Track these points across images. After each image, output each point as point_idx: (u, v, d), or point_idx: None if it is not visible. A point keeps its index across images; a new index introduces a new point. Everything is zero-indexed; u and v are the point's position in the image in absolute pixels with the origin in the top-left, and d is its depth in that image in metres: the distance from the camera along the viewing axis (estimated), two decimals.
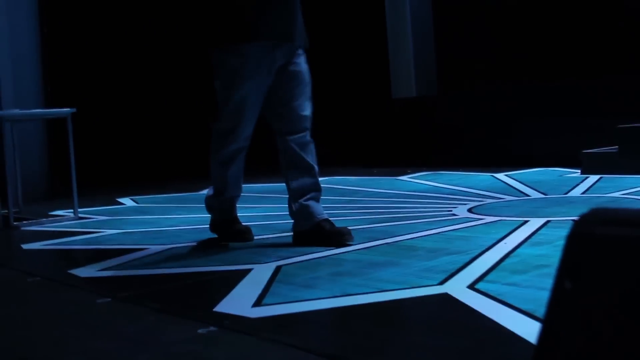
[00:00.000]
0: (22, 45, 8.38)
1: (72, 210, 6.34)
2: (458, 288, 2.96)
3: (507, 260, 3.41)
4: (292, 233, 4.37)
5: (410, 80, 10.85)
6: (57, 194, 8.24)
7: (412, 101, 10.60)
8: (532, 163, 7.85)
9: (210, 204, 4.53)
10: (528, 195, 5.87)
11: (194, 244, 4.56)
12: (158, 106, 11.30)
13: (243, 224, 4.57)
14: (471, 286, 2.98)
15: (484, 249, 3.72)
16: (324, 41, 12.52)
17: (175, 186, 8.51)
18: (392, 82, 11.09)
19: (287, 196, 4.39)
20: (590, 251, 1.16)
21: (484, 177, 7.41)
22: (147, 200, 7.43)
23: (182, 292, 3.38)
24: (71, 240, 5.18)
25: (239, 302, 2.98)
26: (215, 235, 4.57)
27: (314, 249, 4.06)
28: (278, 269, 3.58)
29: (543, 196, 5.79)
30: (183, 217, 5.96)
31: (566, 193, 5.90)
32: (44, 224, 6.11)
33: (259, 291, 3.13)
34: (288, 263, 3.73)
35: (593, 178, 6.76)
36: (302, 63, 4.37)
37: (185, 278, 3.63)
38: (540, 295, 2.69)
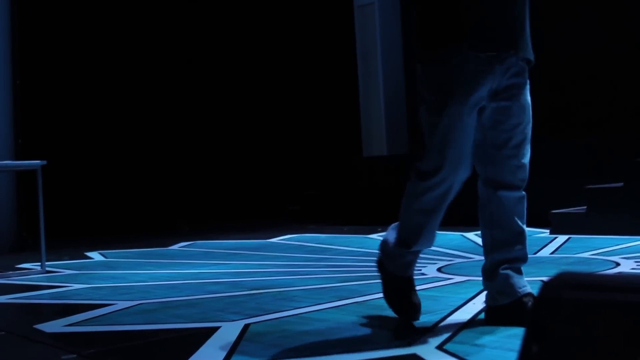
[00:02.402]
0: None
1: (39, 264, 6.28)
2: (427, 349, 2.95)
3: (476, 321, 3.41)
4: (268, 290, 4.33)
5: (382, 139, 10.92)
6: (25, 246, 8.16)
7: (383, 160, 10.65)
8: None
9: (389, 253, 3.62)
10: None
11: (162, 300, 4.52)
12: (128, 161, 11.28)
13: (416, 295, 3.57)
14: (440, 347, 2.96)
15: (453, 309, 3.71)
16: (298, 100, 12.60)
17: (145, 241, 8.46)
18: (364, 140, 11.15)
19: (481, 258, 3.56)
20: (558, 315, 1.16)
21: (453, 236, 7.43)
22: (116, 255, 7.37)
23: (148, 350, 3.34)
24: (38, 295, 5.11)
25: None
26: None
27: (284, 306, 4.03)
28: (246, 328, 3.55)
29: None
30: (152, 273, 5.92)
31: (535, 253, 5.92)
32: (10, 277, 6.05)
33: (226, 350, 3.10)
34: (256, 321, 3.70)
35: (562, 238, 6.79)
36: (526, 93, 3.37)
37: (152, 335, 3.58)
38: (508, 357, 2.69)
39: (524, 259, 3.42)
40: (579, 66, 8.97)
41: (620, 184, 7.11)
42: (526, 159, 3.37)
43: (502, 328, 3.21)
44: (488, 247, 3.43)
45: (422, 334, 3.19)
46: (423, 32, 3.33)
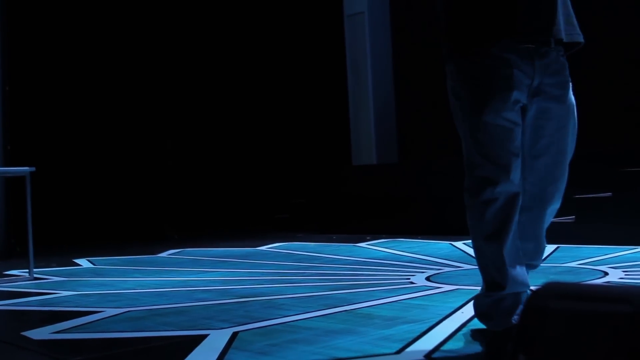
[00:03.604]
0: None
1: (27, 271, 6.26)
2: (415, 358, 2.95)
3: (464, 330, 3.41)
4: (256, 299, 4.32)
5: (371, 147, 10.94)
6: (13, 253, 8.14)
7: (372, 168, 10.67)
8: None
9: (484, 308, 3.11)
10: None
11: (150, 307, 4.51)
12: (117, 168, 11.27)
13: None
14: (428, 356, 2.97)
15: (441, 317, 3.71)
16: (287, 108, 12.61)
17: (133, 248, 8.44)
18: (353, 149, 11.16)
19: (469, 267, 3.15)
20: (544, 325, 1.17)
21: (442, 245, 7.43)
22: (104, 262, 7.36)
23: (136, 357, 3.33)
24: (25, 301, 5.10)
25: None
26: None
27: (272, 314, 4.03)
28: (234, 336, 3.54)
29: None
30: (140, 280, 5.91)
31: None
32: None
33: (214, 358, 3.10)
34: (245, 329, 3.70)
35: (550, 247, 6.80)
36: (569, 93, 3.09)
37: (140, 343, 3.58)
38: None
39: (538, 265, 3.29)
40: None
41: (608, 194, 7.14)
42: (566, 169, 3.13)
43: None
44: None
45: (410, 343, 3.19)
46: (456, 26, 3.06)
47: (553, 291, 1.19)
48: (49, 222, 9.54)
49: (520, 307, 2.92)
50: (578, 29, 3.08)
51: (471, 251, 6.65)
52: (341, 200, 10.59)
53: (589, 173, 7.81)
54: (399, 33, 11.20)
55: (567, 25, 3.02)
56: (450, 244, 7.48)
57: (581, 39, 3.08)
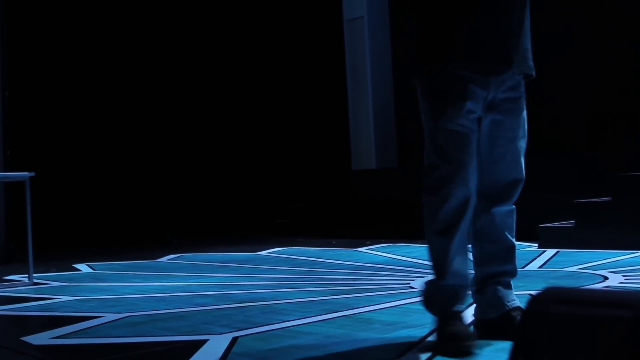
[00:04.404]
0: None
1: (27, 276, 6.26)
2: None
3: None
4: (256, 303, 4.31)
5: (371, 152, 10.94)
6: (13, 258, 8.14)
7: (372, 173, 10.66)
8: None
9: (427, 293, 3.41)
10: None
11: (150, 312, 4.51)
12: (117, 173, 11.27)
13: (464, 325, 3.26)
14: None
15: None
16: (287, 112, 12.62)
17: (133, 253, 8.44)
18: (353, 153, 11.17)
19: (470, 272, 3.37)
20: (544, 330, 1.17)
21: None
22: (104, 267, 7.35)
23: None
24: (25, 307, 5.09)
25: None
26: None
27: (272, 319, 4.03)
28: (234, 341, 3.54)
29: None
30: (140, 285, 5.90)
31: (523, 267, 5.92)
32: None
33: None
34: (244, 334, 3.70)
35: (550, 252, 6.80)
36: (522, 107, 3.35)
37: (139, 348, 3.57)
38: None
39: (513, 273, 3.40)
40: (568, 81, 9.00)
41: (608, 199, 7.14)
42: (522, 174, 3.36)
43: (489, 342, 3.21)
44: (478, 261, 3.40)
45: (410, 348, 3.19)
46: (420, 47, 3.32)
47: (553, 296, 1.19)
48: (49, 227, 9.54)
49: (461, 298, 3.28)
50: (531, 62, 3.32)
51: (470, 256, 6.65)
52: (341, 205, 10.59)
53: (589, 178, 7.82)
54: (398, 38, 11.21)
55: (522, 58, 3.26)
56: None
57: (532, 72, 3.33)
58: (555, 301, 1.17)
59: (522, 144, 3.35)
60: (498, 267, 3.36)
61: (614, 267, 5.59)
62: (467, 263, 3.32)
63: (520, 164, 3.35)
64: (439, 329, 3.23)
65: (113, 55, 11.52)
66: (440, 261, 3.27)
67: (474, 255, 3.42)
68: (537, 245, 7.25)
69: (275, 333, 3.72)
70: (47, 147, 10.60)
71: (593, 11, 8.99)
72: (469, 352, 3.05)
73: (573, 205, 7.26)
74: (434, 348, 3.17)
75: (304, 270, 6.49)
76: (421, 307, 4.10)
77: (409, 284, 5.25)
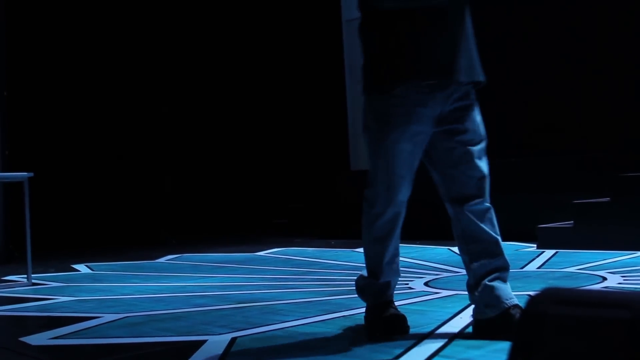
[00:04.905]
0: None
1: (25, 276, 6.26)
2: None
3: (463, 335, 3.41)
4: (254, 304, 4.31)
5: None
6: (12, 258, 8.14)
7: None
8: None
9: (362, 286, 3.73)
10: None
11: (149, 313, 4.51)
12: (115, 173, 11.27)
13: (397, 311, 3.61)
14: None
15: (440, 323, 3.71)
16: (285, 113, 12.62)
17: (131, 254, 8.44)
18: (351, 154, 11.16)
19: (461, 274, 3.56)
20: (543, 331, 1.17)
21: (441, 250, 7.43)
22: (103, 268, 7.35)
23: None
24: (24, 307, 5.09)
25: None
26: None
27: (270, 320, 4.03)
28: (233, 341, 3.54)
29: None
30: (138, 286, 5.90)
31: (522, 268, 5.93)
32: None
33: None
34: (243, 335, 3.70)
35: (549, 253, 6.81)
36: (474, 113, 3.49)
37: (137, 348, 3.57)
38: None
39: (505, 267, 3.44)
40: (566, 81, 9.01)
41: (607, 199, 7.14)
42: (485, 170, 3.46)
43: (488, 342, 3.22)
44: (467, 262, 3.47)
45: (409, 349, 3.19)
46: (368, 68, 3.49)
47: (551, 297, 1.19)
48: (47, 228, 9.54)
49: (392, 288, 3.66)
50: (479, 68, 3.43)
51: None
52: (340, 205, 10.59)
53: (588, 178, 7.82)
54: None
55: (467, 68, 3.37)
56: (449, 249, 7.48)
57: (481, 78, 3.44)
58: (554, 302, 1.17)
59: (480, 147, 3.46)
60: (488, 264, 3.41)
61: (613, 268, 5.59)
62: (398, 262, 3.67)
63: (479, 164, 3.44)
64: (373, 315, 3.57)
65: (112, 56, 11.52)
66: (375, 264, 3.62)
67: (463, 259, 3.53)
68: (535, 245, 7.25)
69: (274, 333, 3.73)
70: (45, 148, 10.60)
71: (591, 10, 8.99)
72: (404, 332, 3.44)
73: (572, 206, 7.26)
74: (371, 331, 3.52)
75: (303, 270, 6.49)
76: (419, 308, 4.12)
77: (407, 284, 5.25)
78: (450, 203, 3.49)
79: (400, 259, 3.72)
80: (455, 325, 3.64)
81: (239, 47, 12.87)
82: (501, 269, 3.42)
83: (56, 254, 8.58)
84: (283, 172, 12.55)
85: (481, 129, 3.48)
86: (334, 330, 3.73)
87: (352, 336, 3.54)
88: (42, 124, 10.74)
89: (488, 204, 3.46)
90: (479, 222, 3.42)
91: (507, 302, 3.32)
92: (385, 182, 3.49)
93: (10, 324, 4.71)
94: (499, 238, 3.45)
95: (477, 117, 3.48)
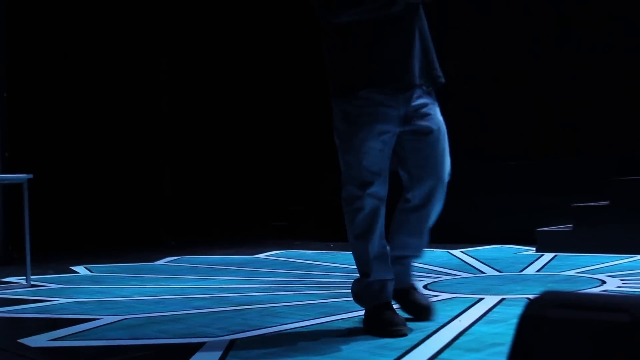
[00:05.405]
0: None
1: (24, 278, 6.25)
2: None
3: (462, 338, 3.41)
4: (253, 306, 4.32)
5: None
6: (11, 260, 8.13)
7: None
8: (487, 240, 7.89)
9: (357, 291, 3.83)
10: (483, 273, 5.89)
11: (148, 315, 4.51)
12: (114, 175, 11.27)
13: (396, 313, 3.70)
14: None
15: (439, 326, 3.71)
16: (283, 115, 12.61)
17: (130, 256, 8.44)
18: None
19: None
20: (542, 334, 1.17)
21: (440, 253, 7.43)
22: (102, 270, 7.35)
23: None
24: (22, 309, 5.09)
25: None
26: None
27: (269, 322, 4.03)
28: (232, 343, 3.54)
29: (498, 273, 5.82)
30: (137, 288, 5.90)
31: (521, 271, 5.93)
32: None
33: None
34: (242, 337, 3.70)
35: (548, 256, 6.81)
36: (436, 110, 3.74)
37: (136, 350, 3.57)
38: None
39: (417, 255, 3.99)
40: (566, 84, 9.01)
41: (606, 202, 7.14)
42: (443, 173, 3.79)
43: (487, 345, 3.22)
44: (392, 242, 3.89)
45: (408, 352, 3.19)
46: (333, 73, 3.75)
47: (550, 300, 1.19)
48: (47, 229, 9.53)
49: (388, 291, 3.73)
50: (438, 71, 3.74)
51: (469, 259, 6.67)
52: (339, 207, 10.57)
53: (587, 181, 7.82)
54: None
55: (424, 71, 3.66)
56: (448, 252, 7.48)
57: (439, 80, 3.74)
58: (553, 305, 1.17)
59: (442, 145, 3.75)
60: (407, 246, 3.91)
61: (612, 271, 5.59)
62: (387, 260, 3.79)
63: (443, 164, 3.77)
64: (371, 319, 3.66)
65: (112, 58, 11.51)
66: (363, 261, 3.76)
67: (392, 238, 3.92)
68: (534, 249, 7.26)
69: (273, 336, 3.73)
70: (45, 150, 10.60)
71: (591, 13, 9.00)
72: (403, 335, 3.48)
73: (571, 209, 7.26)
74: (370, 334, 3.58)
75: (302, 273, 6.49)
76: None
77: None
78: (409, 196, 3.86)
79: None
80: (454, 329, 3.64)
81: (239, 48, 12.86)
82: (412, 257, 3.98)
83: (55, 256, 8.57)
84: (282, 174, 12.54)
85: (444, 129, 3.75)
86: (333, 333, 3.73)
87: (351, 339, 3.53)
88: (42, 126, 10.73)
89: (441, 206, 3.85)
90: (420, 218, 3.85)
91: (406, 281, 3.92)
92: (358, 179, 3.67)
93: (9, 326, 4.70)
94: (427, 236, 3.92)
95: (438, 116, 3.74)
